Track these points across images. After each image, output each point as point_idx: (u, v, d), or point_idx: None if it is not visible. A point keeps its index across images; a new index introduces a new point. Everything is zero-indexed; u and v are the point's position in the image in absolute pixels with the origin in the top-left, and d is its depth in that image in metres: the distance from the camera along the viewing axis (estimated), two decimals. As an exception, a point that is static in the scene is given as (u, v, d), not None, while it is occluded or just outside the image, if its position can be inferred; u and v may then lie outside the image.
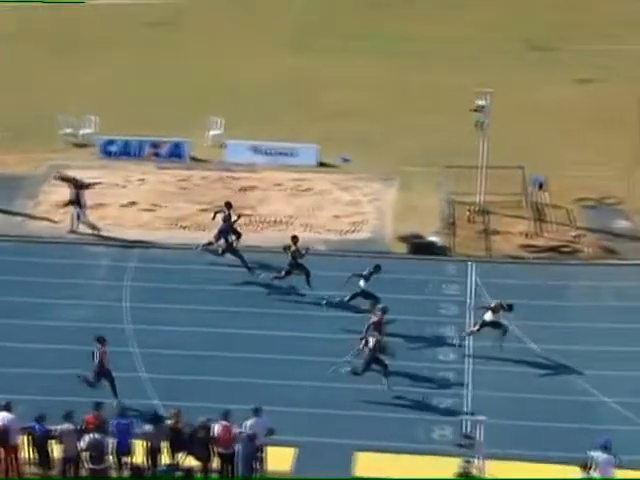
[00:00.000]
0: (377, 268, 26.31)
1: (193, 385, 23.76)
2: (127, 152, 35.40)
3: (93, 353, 22.79)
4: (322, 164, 34.88)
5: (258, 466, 20.70)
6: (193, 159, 35.37)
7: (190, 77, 41.31)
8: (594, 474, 19.92)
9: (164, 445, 20.79)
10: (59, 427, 20.42)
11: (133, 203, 32.42)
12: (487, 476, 20.30)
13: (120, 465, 20.80)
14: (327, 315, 26.49)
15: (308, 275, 27.16)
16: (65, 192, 30.98)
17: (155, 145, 35.34)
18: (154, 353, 24.69)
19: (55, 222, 31.20)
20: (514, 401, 23.41)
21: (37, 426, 20.59)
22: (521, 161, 31.81)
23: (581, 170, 33.50)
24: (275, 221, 31.29)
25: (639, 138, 31.79)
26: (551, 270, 28.90)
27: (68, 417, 20.48)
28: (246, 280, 27.89)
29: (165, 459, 20.90)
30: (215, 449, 20.69)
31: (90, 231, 30.35)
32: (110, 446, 20.44)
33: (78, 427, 20.43)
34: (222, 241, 28.44)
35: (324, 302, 26.70)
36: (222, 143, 35.76)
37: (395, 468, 21.18)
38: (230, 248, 28.36)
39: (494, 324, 24.87)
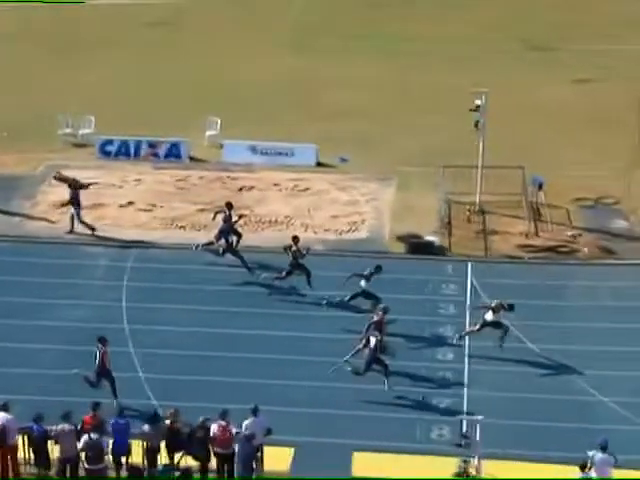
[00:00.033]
0: (378, 268, 26.27)
1: (191, 385, 23.76)
2: (126, 152, 35.40)
3: (95, 353, 22.79)
4: (320, 164, 34.89)
5: (256, 466, 20.68)
6: (191, 159, 35.38)
7: (189, 77, 41.32)
8: (592, 474, 19.93)
9: (162, 445, 20.79)
10: (57, 427, 20.41)
11: (131, 203, 32.42)
12: (485, 476, 20.29)
13: (118, 465, 20.80)
14: (327, 315, 26.49)
15: (309, 275, 27.15)
16: (63, 192, 30.99)
17: (153, 145, 35.34)
18: (152, 353, 24.69)
19: (53, 222, 31.19)
20: (512, 401, 23.41)
21: (35, 426, 20.58)
22: (520, 161, 31.81)
23: (579, 170, 33.52)
24: (271, 221, 31.27)
25: (637, 138, 31.82)
26: (549, 270, 28.92)
27: (66, 417, 20.47)
28: (244, 280, 27.89)
29: (163, 459, 20.90)
30: (213, 449, 20.70)
31: (86, 231, 30.33)
32: (108, 446, 20.42)
33: (76, 427, 20.43)
34: (222, 241, 28.39)
35: (324, 302, 26.69)
36: (220, 143, 35.78)
37: (393, 468, 21.18)
38: (230, 248, 28.32)
39: (495, 324, 24.87)
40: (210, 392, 23.34)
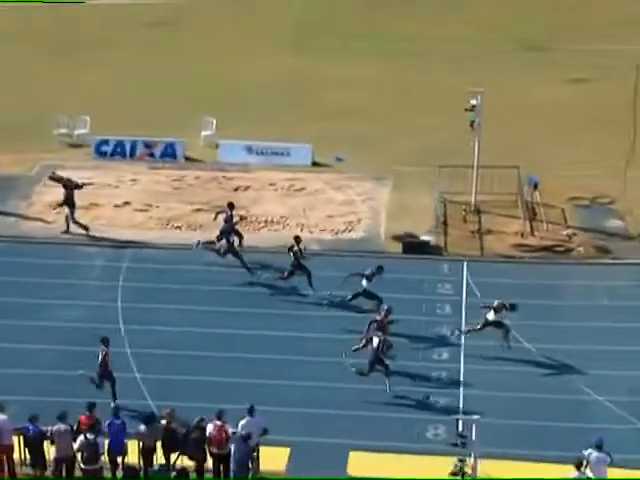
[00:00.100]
0: (380, 269, 26.22)
1: (187, 385, 23.75)
2: (121, 152, 35.39)
3: (98, 354, 22.78)
4: (316, 164, 34.89)
5: (252, 466, 20.68)
6: (187, 159, 35.37)
7: (187, 77, 41.29)
8: (587, 472, 19.96)
9: (158, 445, 20.78)
10: (53, 427, 20.41)
11: (127, 203, 32.41)
12: (481, 475, 20.29)
13: (114, 465, 20.79)
14: (325, 315, 26.49)
15: (309, 276, 27.13)
16: (58, 192, 30.96)
17: (149, 145, 35.33)
18: (148, 353, 24.68)
19: (48, 222, 31.18)
20: (508, 400, 23.43)
21: (30, 427, 20.58)
22: (515, 160, 31.84)
23: (575, 169, 33.56)
24: (267, 221, 31.26)
25: (632, 137, 31.85)
26: (544, 269, 28.94)
27: (62, 417, 20.48)
28: (240, 280, 27.88)
29: (159, 459, 20.90)
30: (209, 449, 20.70)
31: (80, 231, 30.31)
32: (104, 446, 20.41)
33: (72, 427, 20.42)
34: (224, 242, 28.33)
35: (326, 298, 26.62)
36: (215, 143, 35.77)
37: (389, 467, 21.21)
38: (231, 249, 28.24)
39: (496, 324, 24.89)
40: (206, 392, 23.34)
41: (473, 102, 30.38)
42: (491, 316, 24.95)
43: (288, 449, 21.64)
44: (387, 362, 23.47)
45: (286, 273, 27.33)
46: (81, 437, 20.15)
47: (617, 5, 48.46)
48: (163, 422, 20.79)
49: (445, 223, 31.08)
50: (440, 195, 31.89)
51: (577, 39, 44.76)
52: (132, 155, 35.33)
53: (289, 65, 42.27)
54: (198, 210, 31.91)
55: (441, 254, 29.67)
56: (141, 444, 20.81)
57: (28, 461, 20.96)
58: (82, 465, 20.27)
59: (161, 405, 22.15)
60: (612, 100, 37.49)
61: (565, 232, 30.77)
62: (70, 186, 30.42)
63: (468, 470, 20.06)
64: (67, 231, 30.46)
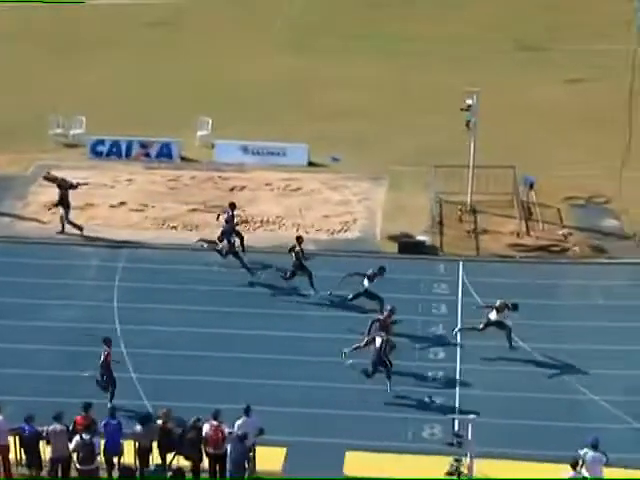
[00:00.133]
0: (381, 270, 26.18)
1: (183, 385, 23.74)
2: (117, 152, 35.37)
3: (101, 354, 22.80)
4: (312, 164, 34.89)
5: (248, 466, 20.68)
6: (183, 159, 35.36)
7: (185, 77, 41.30)
8: (583, 472, 19.98)
9: (154, 445, 20.77)
10: (49, 428, 20.39)
11: (122, 203, 32.40)
12: (477, 475, 20.31)
13: (110, 465, 20.78)
14: (324, 315, 26.48)
15: (310, 276, 27.13)
16: (54, 193, 30.93)
17: (144, 145, 35.31)
18: (144, 353, 24.66)
19: (44, 223, 31.16)
20: (504, 400, 23.45)
21: (26, 427, 20.56)
22: (511, 160, 31.88)
23: (570, 169, 33.60)
24: (263, 221, 31.25)
25: (628, 137, 31.87)
26: (540, 269, 28.96)
27: (58, 418, 20.47)
28: (237, 280, 27.88)
29: (155, 459, 20.88)
30: (205, 449, 20.69)
31: (75, 231, 30.28)
32: (100, 447, 20.40)
33: (67, 428, 20.41)
34: (225, 242, 28.28)
35: (329, 293, 26.60)
36: (211, 143, 35.76)
37: (386, 467, 21.22)
38: (232, 249, 28.19)
39: (498, 324, 24.89)
40: (202, 392, 23.34)
41: (469, 102, 30.40)
42: (493, 316, 24.97)
43: (284, 449, 21.64)
44: (389, 363, 23.36)
45: (288, 273, 27.31)
46: (77, 437, 20.14)
47: (613, 5, 48.48)
48: (159, 422, 20.78)
49: (441, 223, 31.10)
50: (436, 195, 31.91)
51: (573, 39, 44.82)
52: (128, 155, 35.31)
53: (286, 65, 42.28)
54: (194, 210, 31.91)
55: (437, 254, 29.69)
56: (137, 444, 20.80)
57: (24, 461, 20.93)
58: (78, 465, 20.26)
59: (157, 405, 22.14)
60: (608, 100, 37.52)
61: (561, 232, 30.80)
62: (65, 186, 30.40)
63: (464, 470, 20.09)
64: (62, 231, 30.43)
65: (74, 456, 20.25)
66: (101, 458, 20.54)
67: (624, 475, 20.73)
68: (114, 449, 20.68)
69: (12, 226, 31.12)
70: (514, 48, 44.09)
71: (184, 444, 20.62)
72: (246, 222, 30.17)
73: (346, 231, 30.96)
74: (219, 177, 34.07)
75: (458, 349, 25.19)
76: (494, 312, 24.95)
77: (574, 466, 19.88)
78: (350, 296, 26.36)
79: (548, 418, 22.79)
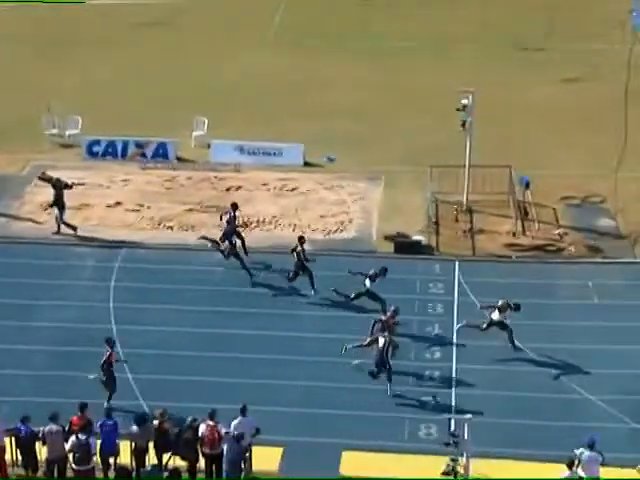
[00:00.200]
0: (383, 271, 26.14)
1: (179, 385, 23.73)
2: (113, 153, 35.35)
3: (103, 354, 22.82)
4: (307, 164, 34.89)
5: (245, 466, 20.68)
6: (179, 159, 35.34)
7: (184, 77, 41.27)
8: (579, 472, 20.00)
9: (150, 445, 20.77)
10: (45, 428, 20.38)
11: (118, 203, 32.38)
12: (473, 474, 20.32)
13: (106, 466, 20.77)
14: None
15: (311, 277, 27.12)
16: (49, 193, 30.89)
17: (140, 145, 35.29)
18: (140, 353, 24.64)
19: (39, 223, 31.14)
20: (500, 399, 23.47)
21: (22, 427, 20.55)
22: (507, 160, 31.90)
23: (566, 169, 33.63)
24: (259, 221, 31.24)
25: (624, 137, 31.93)
26: (536, 269, 28.98)
27: (54, 418, 20.45)
28: (235, 280, 27.87)
29: (151, 460, 20.88)
30: (201, 449, 20.68)
31: (69, 231, 30.26)
32: (96, 447, 20.39)
33: (63, 428, 20.39)
34: (227, 243, 28.22)
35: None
36: (207, 143, 35.75)
37: (382, 467, 21.22)
38: (234, 250, 28.14)
39: (500, 324, 24.89)
40: (198, 392, 23.33)
41: (464, 102, 30.41)
42: (496, 316, 24.98)
43: (281, 449, 21.64)
44: (389, 365, 23.35)
45: (291, 274, 27.28)
46: (73, 438, 20.13)
47: (607, 5, 48.53)
48: (155, 422, 20.77)
49: (437, 223, 31.11)
50: (432, 195, 31.92)
51: (569, 39, 44.84)
52: (124, 155, 35.29)
53: (282, 65, 42.27)
54: (190, 210, 31.91)
55: (433, 254, 29.70)
56: (133, 444, 20.80)
57: (20, 462, 20.92)
58: (74, 466, 20.24)
59: (153, 405, 22.13)
60: (604, 100, 37.60)
61: (556, 231, 30.82)
62: (59, 186, 30.37)
63: (460, 469, 20.10)
64: (58, 232, 30.41)
65: (70, 456, 20.23)
66: (97, 458, 20.54)
67: (620, 475, 20.74)
68: (110, 449, 20.68)
69: (8, 226, 31.10)
70: (510, 48, 44.10)
71: (180, 444, 20.61)
72: (245, 225, 30.11)
73: (342, 231, 30.96)
74: (215, 177, 34.06)
75: (454, 349, 25.20)
76: (496, 312, 24.96)
77: (570, 466, 19.90)
78: (352, 296, 26.37)
79: (544, 418, 22.81)
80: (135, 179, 34.00)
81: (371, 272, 26.20)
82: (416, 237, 30.12)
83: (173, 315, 26.34)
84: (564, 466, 19.94)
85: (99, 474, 20.69)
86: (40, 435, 20.42)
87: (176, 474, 19.85)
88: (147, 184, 33.73)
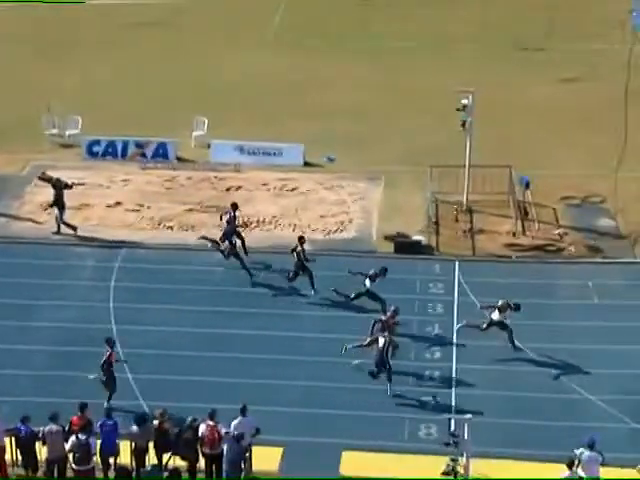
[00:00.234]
0: (383, 271, 26.12)
1: (179, 385, 23.73)
2: (113, 153, 35.35)
3: (103, 354, 22.83)
4: (307, 164, 34.90)
5: (245, 466, 20.68)
6: (179, 159, 35.34)
7: (184, 77, 41.28)
8: (579, 472, 20.01)
9: (150, 445, 20.77)
10: (45, 428, 20.38)
11: (118, 203, 32.39)
12: (473, 474, 20.32)
13: (106, 466, 20.78)
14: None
15: (311, 277, 27.12)
16: (49, 193, 30.89)
17: (140, 145, 35.29)
18: (140, 353, 24.64)
19: (40, 223, 31.14)
20: (500, 399, 23.47)
21: (22, 427, 20.55)
22: (507, 160, 31.91)
23: (566, 169, 33.64)
24: (259, 221, 31.24)
25: (624, 137, 31.91)
26: (536, 269, 28.98)
27: (53, 418, 20.46)
28: (235, 280, 27.87)
29: (151, 460, 20.88)
30: (201, 449, 20.68)
31: (69, 231, 30.26)
32: (96, 447, 20.39)
33: (63, 428, 20.40)
34: (227, 243, 28.21)
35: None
36: (207, 143, 35.75)
37: (382, 467, 21.22)
38: (234, 250, 28.12)
39: (500, 324, 24.89)
40: (198, 392, 23.34)
41: (464, 102, 30.41)
42: (496, 316, 24.98)
43: (281, 449, 21.65)
44: (389, 365, 23.35)
45: (291, 274, 27.28)
46: (73, 438, 20.14)
47: (608, 5, 48.54)
48: (155, 422, 20.77)
49: (437, 223, 31.11)
50: (432, 195, 31.93)
51: (569, 39, 44.85)
52: (124, 155, 35.29)
53: (282, 65, 42.28)
54: (190, 210, 31.91)
55: (433, 254, 29.70)
56: (133, 444, 20.80)
57: (20, 462, 20.92)
58: (74, 466, 20.25)
59: (153, 405, 22.13)
60: (604, 100, 37.61)
61: (556, 231, 30.83)
62: (59, 186, 30.38)
63: (460, 470, 20.10)
64: (58, 232, 30.41)
65: (70, 456, 20.24)
66: (97, 458, 20.55)
67: (620, 475, 20.74)
68: (110, 449, 20.68)
69: (8, 226, 31.10)
70: (510, 48, 44.09)
71: (180, 444, 20.61)
72: (245, 225, 30.13)
73: (342, 231, 30.97)
74: (215, 177, 34.06)
75: (454, 349, 25.21)
76: (496, 312, 24.96)
77: (570, 466, 19.90)
78: (352, 296, 26.37)
79: (544, 418, 22.81)
80: (135, 179, 34.01)
81: (371, 272, 26.20)
82: (416, 237, 30.13)
83: (173, 315, 26.35)
84: (564, 466, 19.95)
85: (99, 474, 20.70)
86: (40, 435, 20.42)
87: (176, 474, 19.85)
88: (147, 184, 33.73)
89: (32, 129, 36.12)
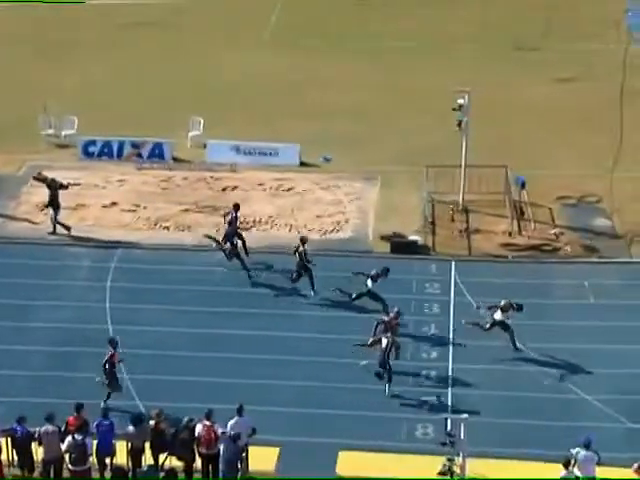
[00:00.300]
0: (385, 271, 26.11)
1: (175, 385, 23.73)
2: (109, 153, 35.32)
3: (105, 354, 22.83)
4: (303, 164, 34.90)
5: (241, 466, 20.67)
6: (175, 159, 35.32)
7: (180, 77, 41.18)
8: (575, 471, 20.02)
9: (146, 446, 20.76)
10: (41, 428, 20.36)
11: (114, 204, 32.37)
12: (470, 474, 20.34)
13: (102, 466, 20.76)
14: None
15: (312, 277, 27.10)
16: (45, 193, 30.83)
17: (136, 146, 35.26)
18: (136, 353, 24.60)
19: (36, 223, 31.12)
20: (496, 399, 23.48)
21: (18, 428, 20.52)
22: (503, 160, 31.92)
23: (562, 169, 33.67)
24: (255, 221, 31.22)
25: (619, 137, 31.98)
26: (532, 268, 29.00)
27: (50, 419, 20.44)
28: (229, 280, 27.87)
29: (147, 460, 20.87)
30: (198, 449, 20.68)
31: (64, 231, 30.23)
32: (92, 447, 20.38)
33: (60, 428, 20.38)
34: (228, 245, 28.15)
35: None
36: (203, 143, 35.73)
37: (378, 467, 21.23)
38: (235, 251, 28.08)
39: (502, 324, 24.89)
40: (195, 392, 23.33)
41: (460, 101, 30.42)
42: (498, 316, 24.99)
43: (277, 449, 21.65)
44: (391, 365, 23.34)
45: (294, 275, 27.26)
46: (69, 438, 20.12)
47: (604, 5, 48.58)
48: (152, 422, 20.76)
49: (433, 223, 31.13)
50: (428, 195, 31.94)
51: (565, 39, 44.87)
52: (120, 156, 35.27)
53: (278, 65, 42.24)
54: (186, 210, 31.90)
55: (429, 254, 29.72)
56: (130, 445, 20.79)
57: (16, 462, 20.89)
58: (70, 466, 20.24)
59: (150, 405, 22.12)
60: (600, 99, 37.65)
61: (552, 231, 30.85)
62: (54, 186, 30.35)
63: (457, 469, 20.12)
64: (54, 232, 30.39)
65: (66, 457, 20.23)
66: (93, 459, 20.53)
67: (616, 474, 20.75)
68: (106, 450, 20.66)
69: (4, 226, 31.07)
70: (510, 48, 44.09)
71: (177, 444, 20.61)
72: (246, 229, 30.00)
73: (338, 231, 30.97)
74: (211, 177, 34.05)
75: (451, 349, 25.22)
76: (499, 312, 24.97)
77: (566, 465, 19.92)
78: (353, 296, 26.36)
79: (541, 417, 22.83)
80: (131, 179, 33.99)
81: (373, 272, 26.19)
82: (412, 237, 30.14)
83: (169, 315, 26.33)
84: (560, 466, 19.95)
85: (95, 474, 20.68)
86: (36, 435, 20.41)
87: (172, 474, 19.83)
88: (143, 184, 33.71)
89: (28, 129, 36.09)
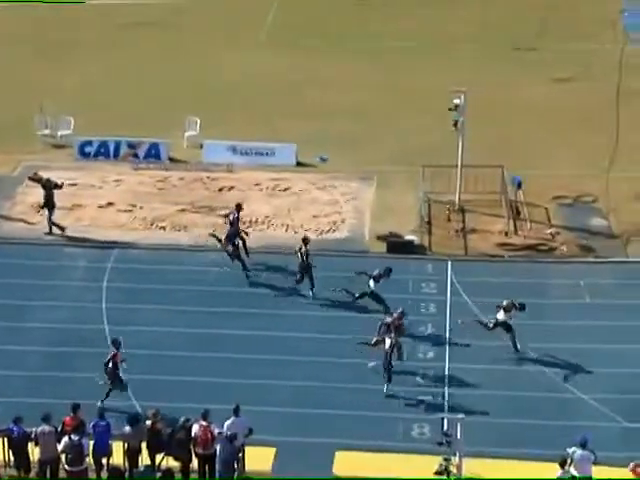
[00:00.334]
0: (387, 271, 26.10)
1: (172, 386, 23.72)
2: (105, 153, 35.30)
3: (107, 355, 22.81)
4: (300, 164, 34.89)
5: (237, 466, 20.68)
6: (171, 160, 35.31)
7: (177, 77, 41.16)
8: (572, 470, 20.04)
9: (143, 446, 20.75)
10: (37, 429, 20.35)
11: (110, 204, 32.35)
12: (466, 474, 20.35)
13: (99, 466, 20.75)
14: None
15: (312, 278, 27.05)
16: (41, 193, 30.80)
17: (133, 146, 35.24)
18: (132, 354, 24.56)
19: (32, 224, 31.09)
20: (492, 399, 23.49)
21: (15, 428, 20.51)
22: (500, 160, 31.94)
23: (558, 168, 33.69)
24: (252, 221, 31.20)
25: (616, 137, 32.01)
26: (528, 268, 29.02)
27: (46, 419, 20.43)
28: (226, 280, 27.86)
29: (144, 460, 20.86)
30: (194, 449, 20.67)
31: (58, 232, 30.21)
32: (89, 447, 20.36)
33: (56, 429, 20.36)
34: (230, 246, 28.14)
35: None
36: (200, 143, 35.71)
37: (375, 467, 21.23)
38: (236, 252, 28.04)
39: (505, 325, 24.89)
40: (191, 392, 23.33)
41: (456, 101, 30.43)
42: (501, 316, 24.99)
43: (274, 449, 21.65)
44: (392, 365, 23.34)
45: (298, 276, 27.22)
46: (66, 438, 20.11)
47: (600, 5, 48.62)
48: (148, 423, 20.76)
49: (429, 223, 31.14)
50: (424, 195, 31.95)
51: (561, 39, 44.90)
52: (116, 156, 35.25)
53: (275, 65, 42.23)
54: (182, 211, 31.89)
55: (425, 253, 29.73)
56: (126, 445, 20.78)
57: (12, 463, 20.88)
58: (67, 466, 20.23)
59: (146, 406, 22.11)
60: (596, 99, 37.67)
61: (548, 231, 30.88)
62: (49, 186, 30.32)
63: (453, 469, 20.12)
64: (50, 232, 30.37)
65: (63, 457, 20.21)
66: (90, 459, 20.52)
67: (612, 474, 20.78)
68: (103, 450, 20.66)
69: None
70: (509, 48, 44.09)
71: (173, 445, 20.60)
72: (248, 233, 29.87)
73: (334, 231, 30.97)
74: (207, 177, 34.03)
75: (447, 348, 25.23)
76: (501, 312, 24.97)
77: (563, 465, 19.94)
78: (355, 296, 26.35)
79: (537, 417, 22.85)
80: (127, 179, 33.97)
81: (375, 273, 26.18)
82: (408, 237, 30.15)
83: (166, 315, 26.33)
84: (557, 465, 19.97)
85: (92, 475, 20.67)
86: (32, 436, 20.39)
87: (169, 474, 19.82)
88: (139, 184, 33.70)
89: (25, 129, 36.05)
